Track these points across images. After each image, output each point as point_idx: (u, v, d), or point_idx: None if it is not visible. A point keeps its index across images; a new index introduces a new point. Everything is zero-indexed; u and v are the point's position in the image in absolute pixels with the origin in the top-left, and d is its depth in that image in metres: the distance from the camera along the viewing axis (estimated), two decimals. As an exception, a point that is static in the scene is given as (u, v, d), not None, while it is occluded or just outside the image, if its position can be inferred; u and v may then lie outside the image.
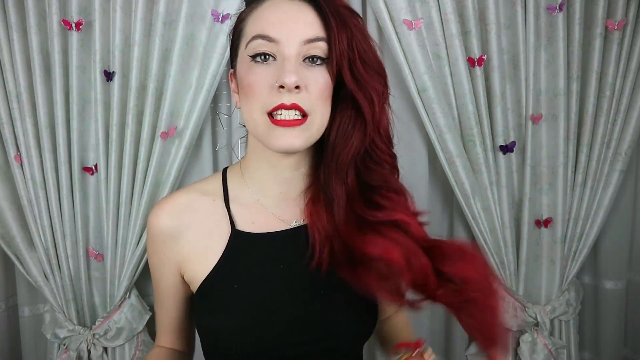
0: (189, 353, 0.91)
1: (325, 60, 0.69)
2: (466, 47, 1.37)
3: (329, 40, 0.68)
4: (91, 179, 1.37)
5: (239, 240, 0.75)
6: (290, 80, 0.64)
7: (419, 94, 1.37)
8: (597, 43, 1.38)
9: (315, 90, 0.68)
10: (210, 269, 0.75)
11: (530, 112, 1.42)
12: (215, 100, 1.50)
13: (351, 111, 0.71)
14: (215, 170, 1.52)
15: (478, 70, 1.38)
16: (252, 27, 0.70)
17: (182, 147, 1.35)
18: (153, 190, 1.37)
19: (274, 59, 0.68)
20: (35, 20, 1.26)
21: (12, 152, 1.32)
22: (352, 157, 0.72)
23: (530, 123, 1.42)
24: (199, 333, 0.79)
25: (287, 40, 0.67)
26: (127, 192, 1.35)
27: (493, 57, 1.38)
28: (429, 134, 1.41)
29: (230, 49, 0.77)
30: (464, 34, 1.37)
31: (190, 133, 1.35)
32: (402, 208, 0.73)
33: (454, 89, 1.40)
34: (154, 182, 1.36)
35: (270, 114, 0.67)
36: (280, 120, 0.67)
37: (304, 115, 0.67)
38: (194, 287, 0.77)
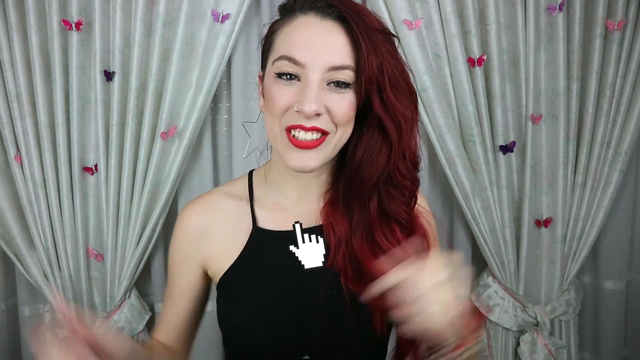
0: (184, 352, 0.92)
1: (350, 85, 0.69)
2: (466, 47, 1.37)
3: (357, 66, 0.68)
4: (91, 179, 1.37)
5: (258, 237, 0.79)
6: (310, 108, 0.65)
7: (419, 94, 1.36)
8: (597, 43, 1.38)
9: (338, 113, 0.68)
10: (231, 263, 0.79)
11: (530, 112, 1.42)
12: (215, 100, 1.50)
13: (378, 136, 0.72)
14: (215, 170, 1.53)
15: (478, 70, 1.38)
16: (281, 44, 0.70)
17: (182, 147, 1.35)
18: (153, 190, 1.37)
19: (298, 79, 0.68)
20: (35, 20, 1.26)
21: (12, 152, 1.32)
22: (375, 182, 0.73)
23: (530, 123, 1.42)
24: (218, 322, 0.82)
25: (312, 65, 0.67)
26: (127, 192, 1.35)
27: (493, 57, 1.38)
28: (429, 134, 1.41)
29: (261, 54, 0.78)
30: (464, 34, 1.37)
31: (190, 133, 1.35)
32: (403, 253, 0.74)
33: (454, 89, 1.40)
34: (154, 182, 1.36)
35: (289, 130, 0.68)
36: (298, 141, 0.68)
37: (324, 133, 0.68)
38: (216, 280, 0.81)
